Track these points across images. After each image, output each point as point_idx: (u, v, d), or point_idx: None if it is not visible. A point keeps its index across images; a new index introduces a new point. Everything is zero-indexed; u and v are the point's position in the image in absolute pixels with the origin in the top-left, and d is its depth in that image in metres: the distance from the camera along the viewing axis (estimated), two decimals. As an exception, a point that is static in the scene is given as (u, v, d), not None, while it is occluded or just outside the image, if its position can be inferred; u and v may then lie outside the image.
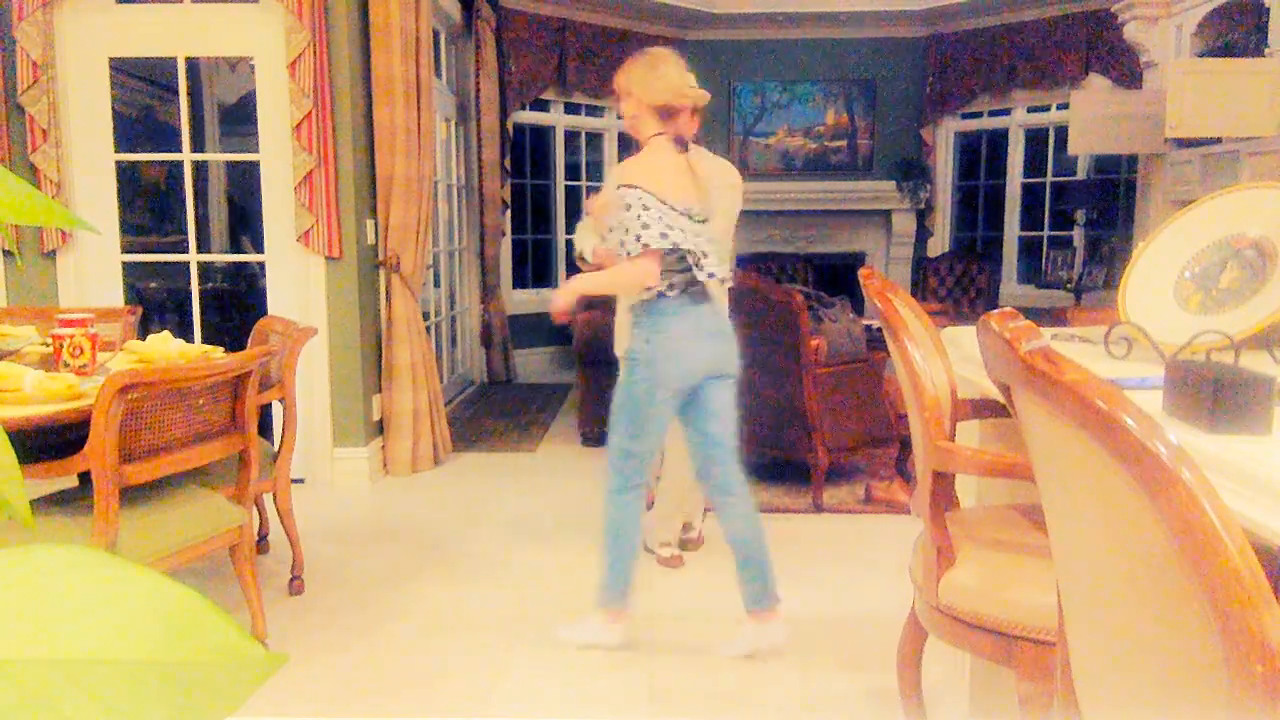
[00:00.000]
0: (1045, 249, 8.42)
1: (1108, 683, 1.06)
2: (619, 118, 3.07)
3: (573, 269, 3.42)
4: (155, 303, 6.12)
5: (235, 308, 6.33)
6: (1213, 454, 1.21)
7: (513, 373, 7.57)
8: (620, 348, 3.12)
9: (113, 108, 4.48)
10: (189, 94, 4.57)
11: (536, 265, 8.54)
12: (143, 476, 2.45)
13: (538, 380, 7.70)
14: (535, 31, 7.58)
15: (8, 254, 4.41)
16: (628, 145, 3.10)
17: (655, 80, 2.74)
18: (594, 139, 8.57)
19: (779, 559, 3.65)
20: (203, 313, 4.68)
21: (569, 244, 7.54)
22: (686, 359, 2.75)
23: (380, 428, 4.85)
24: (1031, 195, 8.59)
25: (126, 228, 4.75)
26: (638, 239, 2.60)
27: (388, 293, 4.79)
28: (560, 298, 2.83)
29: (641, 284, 2.67)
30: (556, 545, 3.83)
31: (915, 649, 2.08)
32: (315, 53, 4.23)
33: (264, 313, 4.30)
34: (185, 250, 4.67)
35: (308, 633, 3.02)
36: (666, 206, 2.67)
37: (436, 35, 6.26)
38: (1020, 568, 1.76)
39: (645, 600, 3.29)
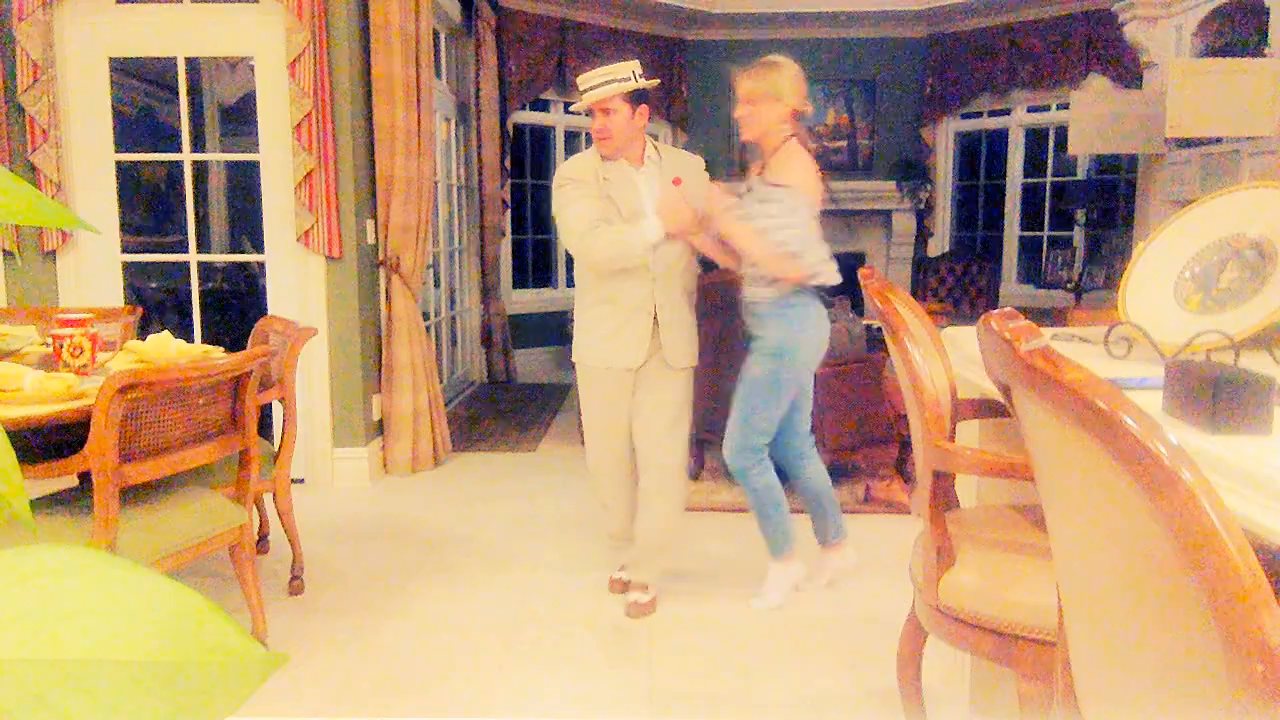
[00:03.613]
0: (1045, 249, 8.42)
1: (1108, 683, 1.06)
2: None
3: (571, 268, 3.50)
4: (155, 303, 6.12)
5: (235, 308, 6.33)
6: (1213, 454, 1.21)
7: (513, 373, 7.56)
8: (581, 354, 3.20)
9: (113, 108, 4.48)
10: (189, 94, 4.57)
11: (536, 265, 8.54)
12: (143, 476, 2.45)
13: (538, 380, 7.70)
14: (535, 31, 7.58)
15: (8, 254, 4.41)
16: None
17: (800, 84, 3.04)
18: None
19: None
20: (203, 313, 4.67)
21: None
22: (822, 346, 3.13)
23: (380, 428, 4.85)
24: (1031, 195, 8.59)
25: (126, 228, 4.75)
26: (816, 260, 2.94)
27: (388, 293, 4.79)
28: (687, 216, 2.97)
29: (786, 278, 2.94)
30: (556, 545, 3.83)
31: (915, 649, 2.08)
32: (315, 53, 4.23)
33: (264, 313, 4.30)
34: (185, 250, 4.67)
35: (308, 633, 3.02)
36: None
37: (436, 35, 6.26)
38: (1020, 568, 1.76)
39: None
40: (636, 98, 3.03)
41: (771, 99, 2.98)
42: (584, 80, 3.05)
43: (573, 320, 3.24)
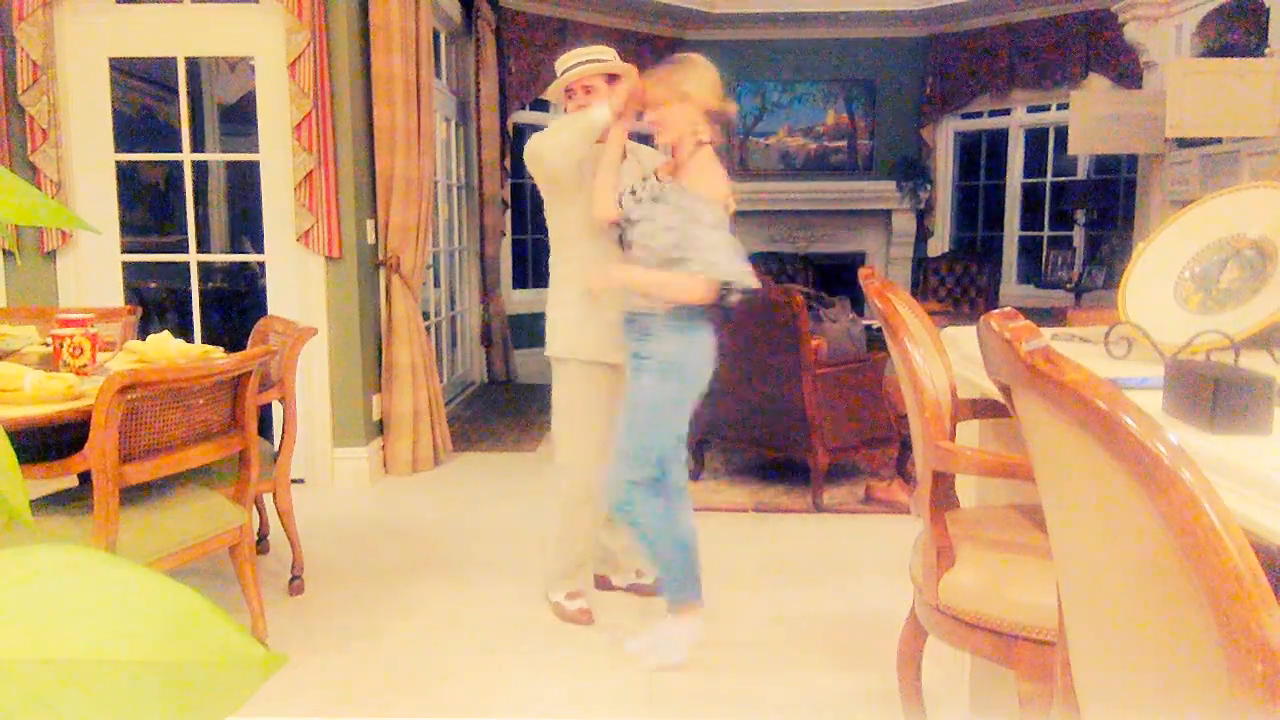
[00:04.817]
0: (1045, 249, 8.42)
1: (1108, 682, 1.06)
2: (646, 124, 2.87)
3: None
4: (155, 303, 6.12)
5: (235, 308, 6.33)
6: (1213, 454, 1.21)
7: (513, 373, 7.56)
8: (563, 347, 3.18)
9: (113, 108, 4.48)
10: (189, 94, 4.57)
11: (536, 265, 8.54)
12: (143, 476, 2.45)
13: (538, 380, 7.69)
14: (535, 31, 7.58)
15: (8, 254, 4.40)
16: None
17: (713, 82, 2.74)
18: (594, 139, 8.56)
19: (779, 559, 3.66)
20: (203, 313, 4.67)
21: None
22: (711, 364, 2.84)
23: (380, 428, 4.85)
24: (1031, 195, 8.59)
25: (126, 228, 4.74)
26: (712, 263, 2.64)
27: (388, 293, 4.79)
28: (604, 281, 2.88)
29: (694, 301, 2.68)
30: (556, 545, 3.83)
31: (915, 649, 2.08)
32: (315, 53, 4.23)
33: (264, 313, 4.30)
34: (185, 250, 4.67)
35: (308, 633, 3.02)
36: (728, 230, 2.73)
37: (436, 35, 6.26)
38: (1020, 568, 1.76)
39: (645, 601, 3.29)
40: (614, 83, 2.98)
41: (678, 99, 2.71)
42: (565, 60, 2.99)
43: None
